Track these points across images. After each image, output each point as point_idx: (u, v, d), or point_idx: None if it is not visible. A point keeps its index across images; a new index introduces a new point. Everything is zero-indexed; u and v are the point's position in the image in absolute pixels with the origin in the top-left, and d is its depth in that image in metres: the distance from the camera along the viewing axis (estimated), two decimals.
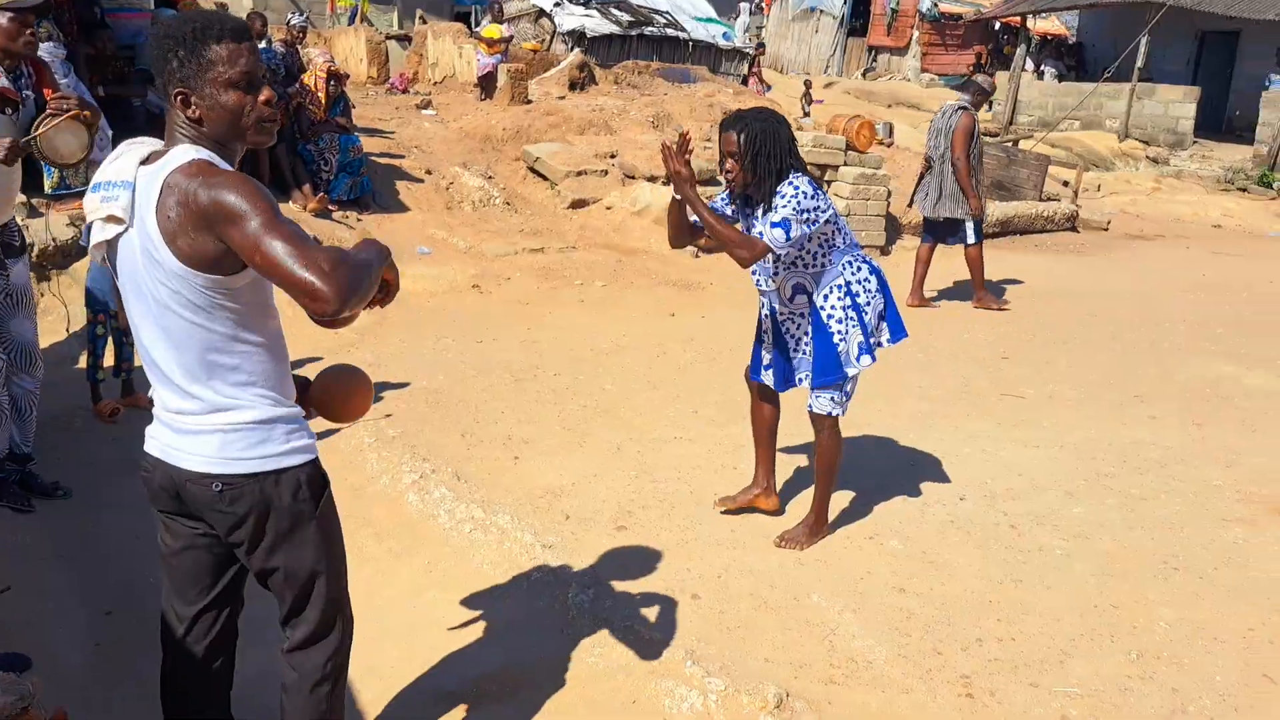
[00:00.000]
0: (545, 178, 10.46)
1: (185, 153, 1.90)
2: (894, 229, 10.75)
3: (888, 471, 4.68)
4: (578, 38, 16.76)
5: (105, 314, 4.69)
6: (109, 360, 4.93)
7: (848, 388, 3.81)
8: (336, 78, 8.36)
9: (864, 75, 24.44)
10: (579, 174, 10.39)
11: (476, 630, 3.36)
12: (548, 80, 13.98)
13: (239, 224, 1.78)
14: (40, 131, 3.60)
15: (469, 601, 3.52)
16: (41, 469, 4.15)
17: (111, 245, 1.98)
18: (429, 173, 9.77)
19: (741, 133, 3.52)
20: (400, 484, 4.37)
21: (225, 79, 1.91)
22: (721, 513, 4.15)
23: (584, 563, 3.75)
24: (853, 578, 3.72)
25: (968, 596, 3.63)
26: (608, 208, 9.96)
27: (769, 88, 17.74)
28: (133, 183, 1.92)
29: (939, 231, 8.16)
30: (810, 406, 3.85)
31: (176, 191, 1.85)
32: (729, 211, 3.77)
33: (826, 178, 10.21)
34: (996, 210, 12.01)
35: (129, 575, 3.58)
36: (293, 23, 9.60)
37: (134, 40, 7.83)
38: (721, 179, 3.71)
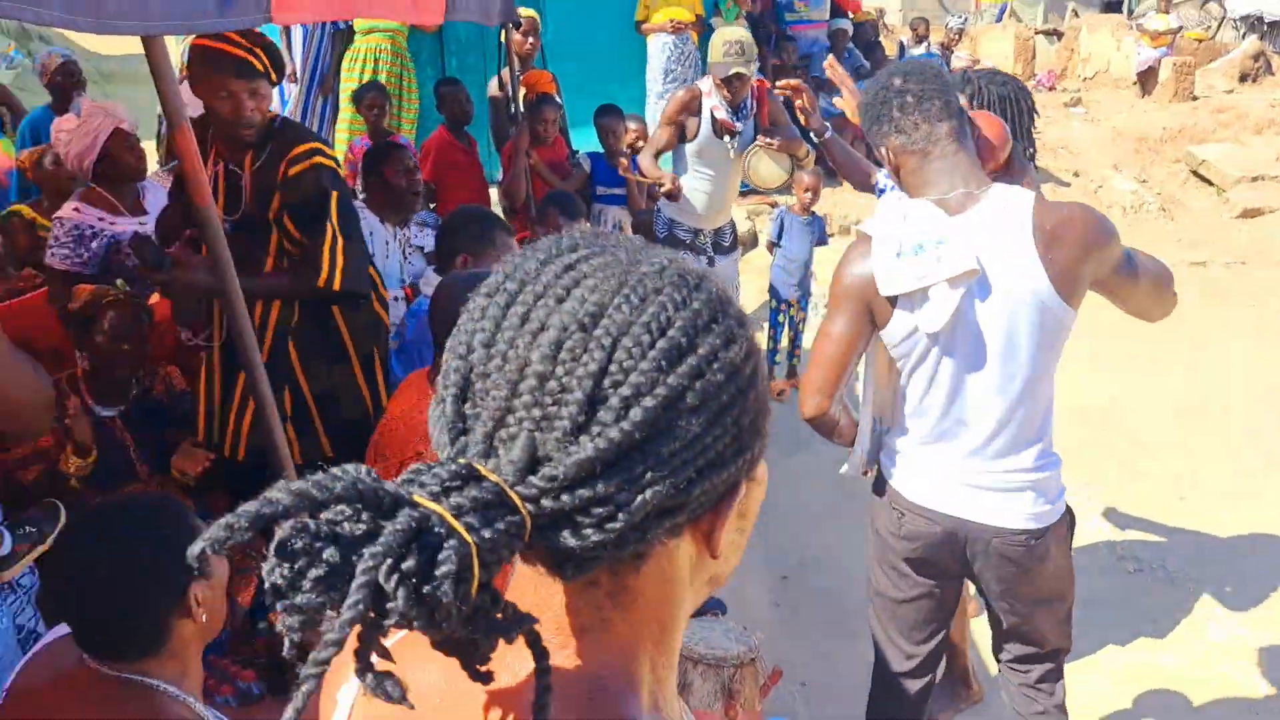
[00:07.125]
0: (1210, 182, 9.35)
1: (1017, 191, 1.84)
2: None
3: None
4: (1252, 23, 14.69)
5: (784, 304, 5.17)
6: (784, 343, 5.43)
7: None
8: None
9: None
10: (1254, 179, 9.13)
11: None
12: (1213, 72, 12.50)
13: (1121, 266, 1.77)
14: (748, 170, 4.08)
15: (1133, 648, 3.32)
16: None
17: (957, 311, 1.79)
18: (1076, 175, 9.29)
19: None
20: None
21: None
22: None
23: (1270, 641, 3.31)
24: None
25: None
26: None
27: None
28: (956, 235, 1.79)
29: None
30: None
31: (1051, 229, 1.77)
32: None
33: None
34: None
35: (801, 547, 3.94)
36: (951, 25, 9.71)
37: (810, 50, 8.48)
38: None
